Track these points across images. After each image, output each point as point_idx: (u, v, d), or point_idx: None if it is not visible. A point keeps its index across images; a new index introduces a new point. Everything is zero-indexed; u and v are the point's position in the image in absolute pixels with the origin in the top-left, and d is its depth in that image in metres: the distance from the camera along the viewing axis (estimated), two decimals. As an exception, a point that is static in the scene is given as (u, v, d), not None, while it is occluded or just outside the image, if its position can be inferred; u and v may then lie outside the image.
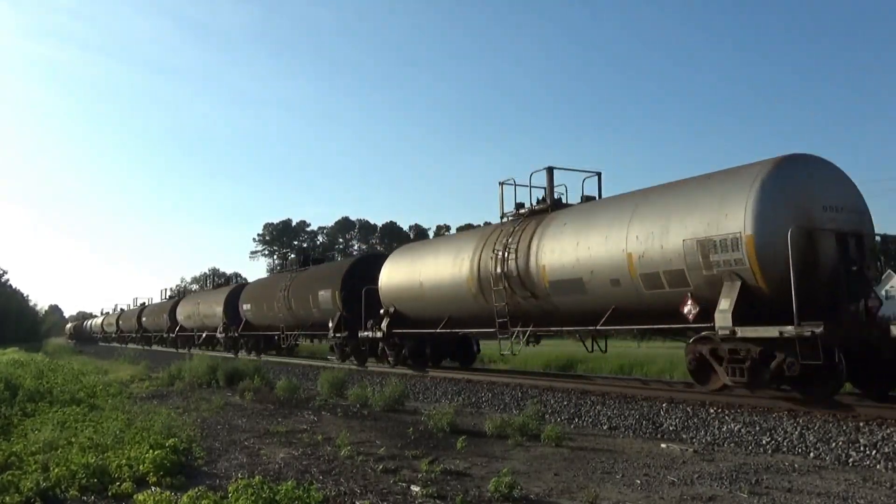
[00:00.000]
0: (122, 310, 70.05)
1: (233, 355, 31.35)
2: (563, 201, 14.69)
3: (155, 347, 49.63)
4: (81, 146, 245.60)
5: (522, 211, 15.14)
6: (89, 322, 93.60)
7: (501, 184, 15.59)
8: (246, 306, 31.19)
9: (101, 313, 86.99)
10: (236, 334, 32.46)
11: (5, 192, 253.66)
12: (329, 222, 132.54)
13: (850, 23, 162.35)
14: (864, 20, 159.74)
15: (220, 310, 34.79)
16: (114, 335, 69.00)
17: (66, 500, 6.13)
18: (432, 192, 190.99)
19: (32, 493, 6.01)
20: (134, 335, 58.33)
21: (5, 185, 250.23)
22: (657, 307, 11.11)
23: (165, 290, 56.21)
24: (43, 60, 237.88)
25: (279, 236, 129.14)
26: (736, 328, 9.53)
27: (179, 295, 53.63)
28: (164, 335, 46.83)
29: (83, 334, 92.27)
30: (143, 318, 54.70)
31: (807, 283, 9.15)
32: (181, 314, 42.63)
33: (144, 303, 61.72)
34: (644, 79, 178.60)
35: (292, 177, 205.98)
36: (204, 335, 38.64)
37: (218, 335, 34.95)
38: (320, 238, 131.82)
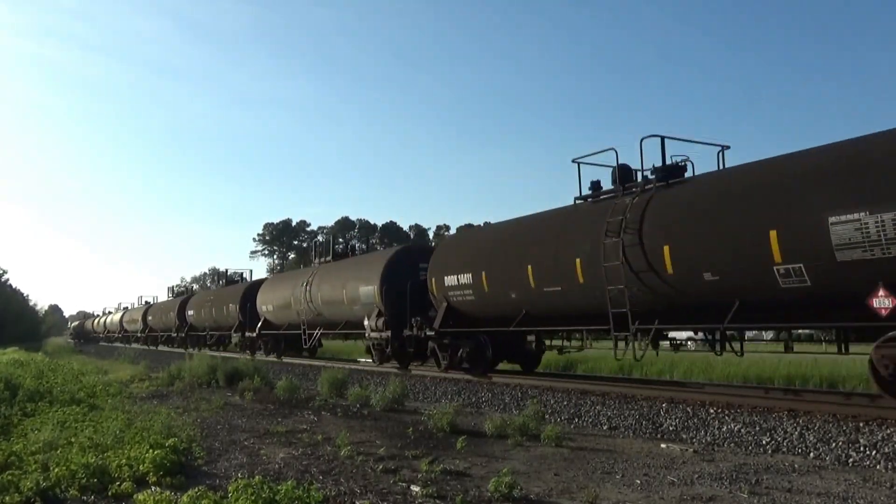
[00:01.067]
0: (147, 303, 57.52)
1: (396, 368, 19.27)
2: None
3: (212, 352, 31.31)
4: (81, 146, 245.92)
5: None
6: (101, 319, 78.09)
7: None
8: (456, 279, 16.30)
9: (119, 308, 70.50)
10: (428, 332, 17.33)
11: (5, 192, 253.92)
12: (329, 222, 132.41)
13: (850, 22, 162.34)
14: (864, 20, 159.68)
15: (369, 290, 19.86)
16: (139, 334, 54.11)
17: (66, 499, 6.12)
18: (432, 192, 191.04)
19: (32, 493, 6.01)
20: (173, 335, 43.96)
21: (5, 184, 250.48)
22: None
23: (213, 274, 40.64)
24: (43, 60, 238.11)
25: (279, 236, 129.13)
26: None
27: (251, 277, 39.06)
28: (231, 334, 32.58)
29: (90, 334, 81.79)
30: (189, 312, 40.04)
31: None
32: (266, 304, 28.26)
33: (185, 291, 51.26)
34: (645, 79, 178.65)
35: (292, 177, 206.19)
36: (317, 332, 24.45)
37: (370, 335, 20.12)
38: (320, 238, 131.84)
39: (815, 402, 10.02)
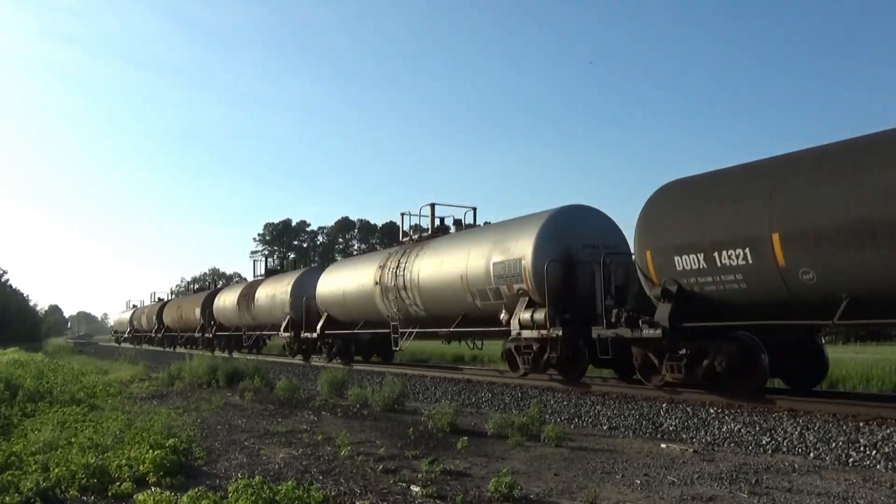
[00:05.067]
0: (193, 283, 44.11)
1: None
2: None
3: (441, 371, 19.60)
4: (82, 146, 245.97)
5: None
6: (142, 315, 56.32)
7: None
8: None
9: (154, 299, 55.95)
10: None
11: (5, 191, 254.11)
12: (329, 222, 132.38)
13: (851, 21, 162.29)
14: (865, 19, 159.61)
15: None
16: (198, 335, 38.45)
17: (66, 500, 6.13)
18: (432, 191, 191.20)
19: (32, 493, 6.01)
20: (282, 334, 26.94)
21: (5, 183, 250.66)
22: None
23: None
24: (43, 60, 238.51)
25: (279, 236, 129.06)
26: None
27: None
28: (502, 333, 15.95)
29: (128, 334, 60.64)
30: (321, 301, 23.43)
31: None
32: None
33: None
34: (645, 78, 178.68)
35: (292, 177, 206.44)
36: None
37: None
38: (320, 238, 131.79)
39: (815, 401, 10.02)
